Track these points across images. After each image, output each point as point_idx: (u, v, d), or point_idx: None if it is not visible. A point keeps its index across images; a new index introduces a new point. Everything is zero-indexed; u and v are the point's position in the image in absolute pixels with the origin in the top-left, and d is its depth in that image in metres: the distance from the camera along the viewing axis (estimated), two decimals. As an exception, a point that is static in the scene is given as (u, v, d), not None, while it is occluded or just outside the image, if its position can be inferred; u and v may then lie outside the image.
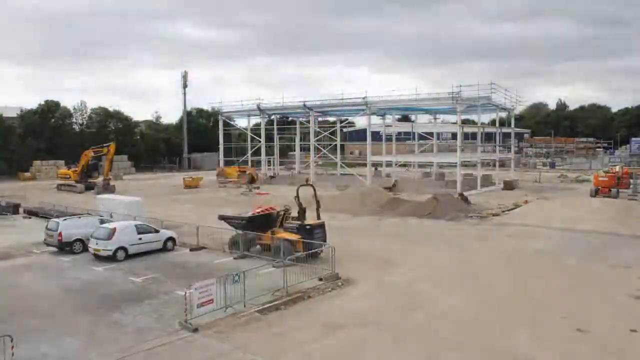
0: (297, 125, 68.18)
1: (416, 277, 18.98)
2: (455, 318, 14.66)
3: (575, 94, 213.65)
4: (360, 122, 71.50)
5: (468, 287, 17.72)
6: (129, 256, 21.72)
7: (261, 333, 13.66)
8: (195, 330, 13.67)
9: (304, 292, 16.73)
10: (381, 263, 21.01)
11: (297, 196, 22.17)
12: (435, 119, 66.24)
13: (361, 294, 17.03)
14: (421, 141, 69.45)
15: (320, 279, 17.99)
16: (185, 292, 14.16)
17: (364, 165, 54.23)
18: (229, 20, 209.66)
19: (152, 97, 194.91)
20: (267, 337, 13.37)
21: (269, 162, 68.05)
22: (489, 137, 63.72)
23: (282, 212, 22.71)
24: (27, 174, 67.28)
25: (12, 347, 10.97)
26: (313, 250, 19.84)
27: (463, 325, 14.07)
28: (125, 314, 15.21)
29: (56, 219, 24.55)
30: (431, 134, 68.03)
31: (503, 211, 34.98)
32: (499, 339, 13.16)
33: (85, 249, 22.75)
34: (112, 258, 21.36)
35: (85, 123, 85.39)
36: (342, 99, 56.32)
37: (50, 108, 77.92)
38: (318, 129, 63.91)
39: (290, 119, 71.46)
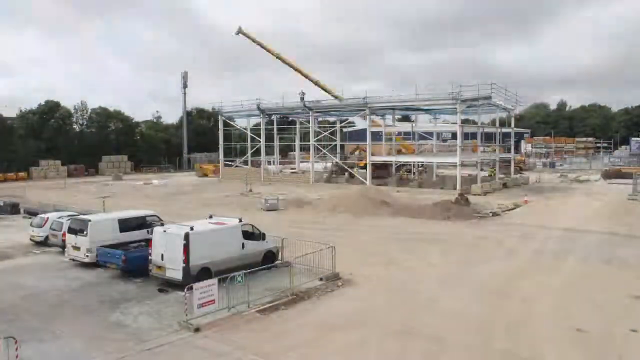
0: (297, 125, 68.22)
1: (417, 278, 18.98)
2: (455, 318, 14.65)
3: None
4: (360, 122, 71.44)
5: (468, 287, 17.71)
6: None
7: (261, 333, 13.66)
8: (196, 330, 13.68)
9: (304, 292, 16.75)
10: (381, 263, 21.03)
11: None
12: (435, 119, 66.25)
13: (361, 294, 17.02)
14: (421, 141, 69.47)
15: (321, 279, 18.02)
16: (185, 292, 14.18)
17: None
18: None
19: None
20: (267, 337, 13.36)
21: (269, 162, 68.09)
22: (489, 137, 63.70)
23: None
24: (21, 174, 67.26)
25: (17, 348, 10.92)
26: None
27: (463, 326, 14.07)
28: (125, 314, 15.21)
29: (60, 219, 24.44)
30: (431, 134, 68.09)
31: (503, 211, 35.00)
32: (500, 339, 13.16)
33: None
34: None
35: (85, 123, 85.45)
36: (342, 99, 56.41)
37: (51, 108, 77.97)
38: (318, 129, 63.94)
39: (290, 119, 71.48)
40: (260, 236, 20.04)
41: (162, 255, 17.53)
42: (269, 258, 19.90)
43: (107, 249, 19.70)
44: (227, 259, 18.04)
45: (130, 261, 18.79)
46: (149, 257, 18.10)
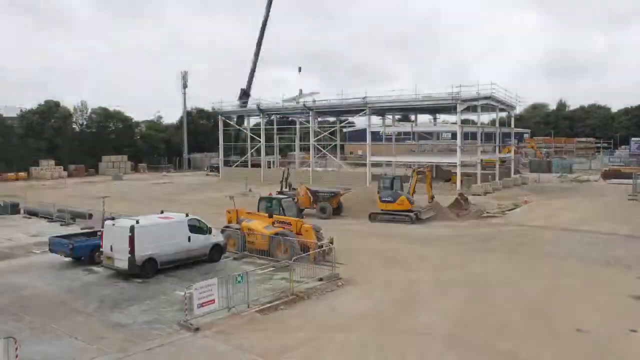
0: (297, 125, 68.20)
1: (416, 278, 18.99)
2: (455, 318, 14.67)
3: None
4: (360, 122, 71.46)
5: (468, 287, 17.72)
6: None
7: (261, 333, 13.66)
8: (196, 330, 13.69)
9: (304, 292, 16.76)
10: (381, 264, 21.03)
11: None
12: (435, 119, 66.30)
13: (361, 294, 17.03)
14: (421, 141, 69.47)
15: (321, 279, 18.03)
16: (185, 293, 14.18)
17: (364, 164, 54.28)
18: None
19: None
20: (267, 337, 13.37)
21: (269, 162, 68.09)
22: (488, 137, 63.71)
23: None
24: (21, 174, 67.20)
25: (17, 348, 10.91)
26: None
27: (463, 326, 14.08)
28: (125, 314, 15.22)
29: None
30: (431, 134, 68.14)
31: (503, 212, 34.99)
32: (500, 339, 13.16)
33: None
34: None
35: (85, 123, 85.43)
36: (342, 99, 56.42)
37: (51, 108, 77.94)
38: (318, 129, 63.97)
39: (290, 119, 71.50)
40: (207, 230, 21.01)
41: (111, 247, 18.86)
42: (217, 251, 21.13)
43: (58, 239, 22.02)
44: (173, 250, 19.37)
45: (76, 250, 20.70)
46: (101, 249, 19.65)
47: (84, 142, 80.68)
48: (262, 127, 64.23)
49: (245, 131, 68.94)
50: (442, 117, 67.45)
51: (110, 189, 52.85)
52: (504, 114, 60.18)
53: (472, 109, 50.89)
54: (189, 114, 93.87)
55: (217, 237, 21.49)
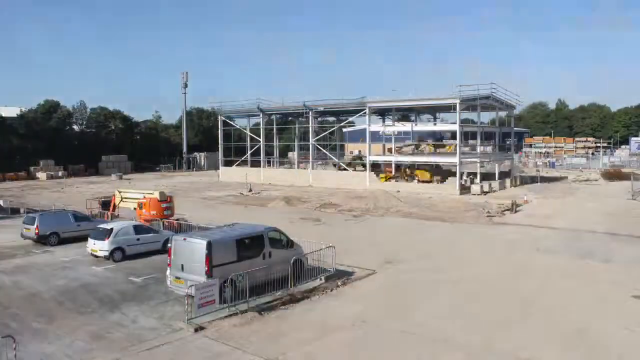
0: (297, 125, 68.18)
1: (417, 278, 18.99)
2: (455, 318, 14.67)
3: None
4: (359, 121, 71.40)
5: (468, 287, 17.73)
6: (127, 257, 21.71)
7: (261, 333, 13.67)
8: (196, 330, 13.69)
9: (304, 292, 16.76)
10: (382, 263, 21.02)
11: None
12: (435, 119, 66.26)
13: (362, 294, 17.03)
14: (421, 141, 69.41)
15: (321, 279, 18.02)
16: (186, 292, 14.18)
17: (364, 164, 54.28)
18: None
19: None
20: (267, 337, 13.37)
21: (269, 162, 68.06)
22: (488, 137, 63.68)
23: None
24: (21, 174, 67.25)
25: (14, 347, 10.95)
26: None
27: (463, 326, 14.08)
28: (125, 314, 15.22)
29: (33, 214, 27.27)
30: (431, 133, 68.11)
31: (502, 211, 35.00)
32: (499, 339, 13.17)
33: (60, 241, 25.20)
34: (108, 258, 21.49)
35: (85, 123, 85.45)
36: (342, 99, 56.43)
37: (50, 108, 77.97)
38: (318, 129, 63.92)
39: (290, 118, 71.48)
40: None
41: None
42: None
43: None
44: None
45: None
46: None
47: (83, 142, 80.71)
48: (262, 127, 64.25)
49: (245, 131, 68.87)
50: (441, 116, 67.37)
51: (111, 189, 52.87)
52: (503, 113, 60.18)
53: (472, 108, 50.93)
54: (188, 114, 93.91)
55: None
